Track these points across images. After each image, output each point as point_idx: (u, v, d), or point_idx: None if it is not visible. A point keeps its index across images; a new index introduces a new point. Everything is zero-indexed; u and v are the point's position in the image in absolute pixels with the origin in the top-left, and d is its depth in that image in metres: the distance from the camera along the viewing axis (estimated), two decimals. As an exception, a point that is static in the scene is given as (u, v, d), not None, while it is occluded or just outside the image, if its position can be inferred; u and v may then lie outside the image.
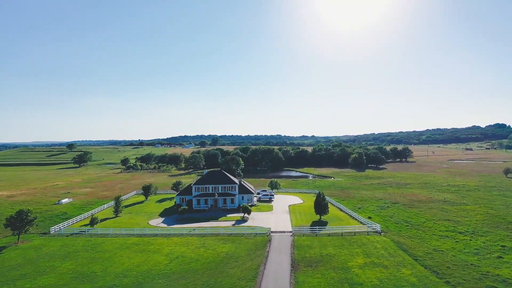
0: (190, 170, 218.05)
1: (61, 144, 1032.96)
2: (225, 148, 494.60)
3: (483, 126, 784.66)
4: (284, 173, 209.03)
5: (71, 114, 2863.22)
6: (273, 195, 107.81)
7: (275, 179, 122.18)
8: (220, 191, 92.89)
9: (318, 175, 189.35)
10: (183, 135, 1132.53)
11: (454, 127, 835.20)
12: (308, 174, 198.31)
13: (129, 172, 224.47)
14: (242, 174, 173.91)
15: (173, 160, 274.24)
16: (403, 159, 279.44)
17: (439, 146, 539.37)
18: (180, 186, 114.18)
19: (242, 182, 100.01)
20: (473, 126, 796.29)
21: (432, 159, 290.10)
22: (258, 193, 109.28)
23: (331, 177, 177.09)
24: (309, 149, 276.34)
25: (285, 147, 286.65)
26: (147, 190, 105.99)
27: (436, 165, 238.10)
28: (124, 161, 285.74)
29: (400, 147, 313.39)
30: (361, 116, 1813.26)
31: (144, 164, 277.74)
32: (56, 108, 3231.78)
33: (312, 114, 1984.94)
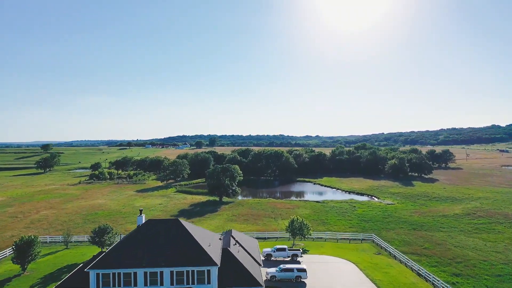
0: (170, 182, 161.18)
1: (57, 145, 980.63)
2: (221, 150, 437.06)
3: (503, 125, 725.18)
4: (299, 186, 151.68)
5: (69, 114, 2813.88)
6: (300, 262, 51.16)
7: (298, 217, 64.37)
8: (168, 285, 35.15)
9: (348, 191, 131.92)
10: (181, 135, 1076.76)
11: (470, 126, 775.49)
12: (334, 189, 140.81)
13: (90, 183, 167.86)
14: (239, 191, 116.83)
15: (154, 165, 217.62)
16: (444, 165, 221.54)
17: (463, 147, 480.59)
18: (108, 235, 56.63)
19: (232, 248, 41.28)
20: (492, 125, 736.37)
21: (478, 164, 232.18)
22: (268, 254, 52.91)
23: (372, 196, 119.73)
24: (326, 151, 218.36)
25: (296, 149, 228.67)
26: (23, 253, 48.34)
27: (495, 173, 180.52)
28: (95, 167, 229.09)
29: (438, 149, 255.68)
30: (364, 116, 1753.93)
31: (116, 171, 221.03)
32: (53, 107, 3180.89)
33: (315, 114, 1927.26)
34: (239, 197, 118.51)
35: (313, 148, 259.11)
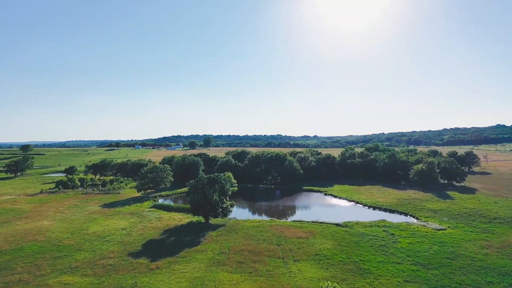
0: (150, 191, 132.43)
1: (51, 145, 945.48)
2: (216, 151, 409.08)
3: (508, 124, 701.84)
4: (307, 198, 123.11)
5: (64, 114, 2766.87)
6: None
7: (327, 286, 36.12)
8: None
9: (373, 207, 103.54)
10: (175, 135, 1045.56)
11: (474, 126, 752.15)
12: (352, 202, 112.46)
13: (53, 192, 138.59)
14: (231, 208, 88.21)
15: (136, 170, 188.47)
16: (467, 169, 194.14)
17: (471, 148, 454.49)
18: None
19: None
20: (497, 125, 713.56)
21: (504, 168, 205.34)
22: None
23: (408, 215, 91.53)
24: (335, 153, 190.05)
25: (299, 151, 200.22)
26: None
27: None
28: (69, 171, 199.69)
29: (460, 150, 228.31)
30: (363, 116, 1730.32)
31: (93, 177, 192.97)
32: (49, 107, 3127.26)
33: (313, 114, 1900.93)
34: (232, 215, 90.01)
35: (318, 150, 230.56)
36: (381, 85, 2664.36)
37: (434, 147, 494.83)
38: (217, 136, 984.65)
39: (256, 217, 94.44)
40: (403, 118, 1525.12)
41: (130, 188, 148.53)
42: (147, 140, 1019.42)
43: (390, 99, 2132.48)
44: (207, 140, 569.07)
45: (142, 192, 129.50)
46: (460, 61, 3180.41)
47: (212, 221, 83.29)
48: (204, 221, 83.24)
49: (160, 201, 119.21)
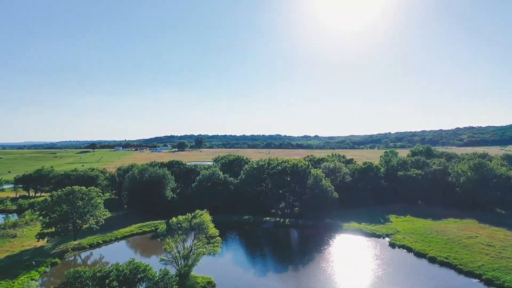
0: (62, 239, 71.98)
1: (37, 146, 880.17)
2: (207, 153, 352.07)
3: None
4: (357, 255, 63.14)
5: (57, 114, 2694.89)
6: None
7: None
8: None
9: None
10: (168, 135, 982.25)
11: (489, 125, 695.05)
12: (461, 275, 52.91)
13: None
14: None
15: (85, 183, 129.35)
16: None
17: (502, 149, 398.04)
18: None
19: None
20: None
21: None
22: None
23: None
24: (375, 161, 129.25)
25: (321, 157, 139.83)
26: None
27: None
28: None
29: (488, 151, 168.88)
30: (365, 115, 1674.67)
31: (24, 193, 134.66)
32: (43, 107, 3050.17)
33: (312, 114, 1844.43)
34: None
35: (339, 152, 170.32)
36: (381, 84, 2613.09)
37: (455, 148, 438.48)
38: (213, 136, 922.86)
39: None
40: (405, 118, 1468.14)
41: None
42: (138, 140, 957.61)
43: (391, 98, 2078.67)
44: (199, 141, 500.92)
45: (47, 240, 69.10)
46: (469, 58, 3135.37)
47: None
48: None
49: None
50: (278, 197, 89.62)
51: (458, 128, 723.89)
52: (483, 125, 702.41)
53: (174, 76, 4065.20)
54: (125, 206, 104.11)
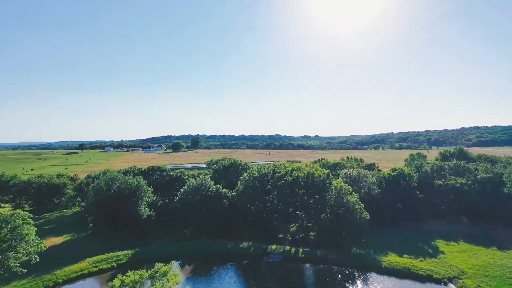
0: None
1: (33, 146, 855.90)
2: (203, 154, 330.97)
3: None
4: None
5: (54, 114, 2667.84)
6: None
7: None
8: None
9: None
10: (166, 135, 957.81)
11: (496, 124, 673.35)
12: None
13: None
14: None
15: (50, 192, 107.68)
16: None
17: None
18: None
19: None
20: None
21: None
22: None
23: None
24: (427, 167, 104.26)
25: (337, 161, 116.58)
26: None
27: None
28: None
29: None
30: (366, 115, 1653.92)
31: None
32: (40, 106, 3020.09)
33: (312, 113, 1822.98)
34: None
35: (354, 155, 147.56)
36: (381, 84, 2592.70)
37: (466, 149, 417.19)
38: (211, 136, 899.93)
39: None
40: (407, 118, 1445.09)
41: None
42: (135, 140, 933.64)
43: (391, 98, 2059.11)
44: (195, 141, 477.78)
45: None
46: (469, 59, 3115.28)
47: None
48: None
49: None
50: (288, 217, 66.97)
51: (463, 127, 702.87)
52: (489, 125, 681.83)
53: (172, 76, 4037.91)
54: (90, 225, 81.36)
